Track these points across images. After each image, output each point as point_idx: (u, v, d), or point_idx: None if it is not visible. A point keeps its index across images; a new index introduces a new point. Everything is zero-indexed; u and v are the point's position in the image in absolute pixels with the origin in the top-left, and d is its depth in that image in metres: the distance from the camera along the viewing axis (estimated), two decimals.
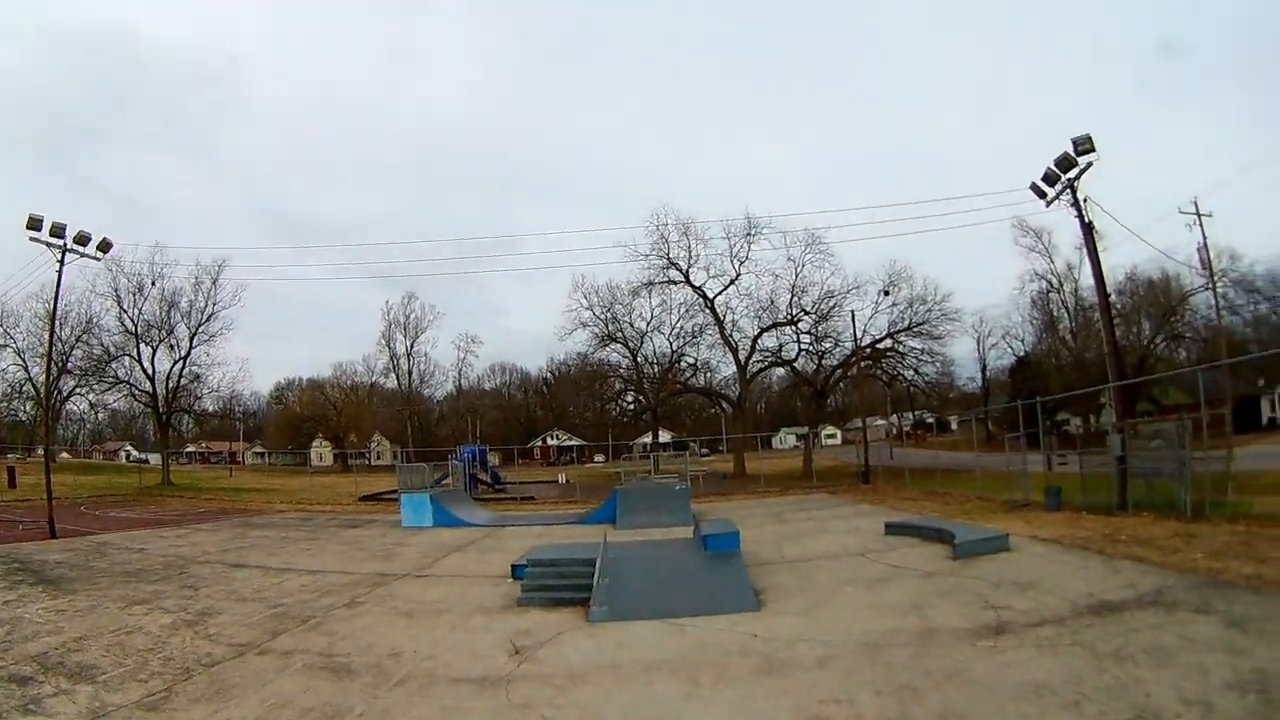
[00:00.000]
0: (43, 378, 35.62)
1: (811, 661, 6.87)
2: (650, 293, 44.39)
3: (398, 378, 69.98)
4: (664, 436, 52.29)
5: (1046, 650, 6.32)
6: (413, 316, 68.75)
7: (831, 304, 41.18)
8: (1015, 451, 19.60)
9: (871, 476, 30.98)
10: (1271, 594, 6.94)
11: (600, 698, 6.29)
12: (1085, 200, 18.62)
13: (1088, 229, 18.57)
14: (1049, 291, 45.50)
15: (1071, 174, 18.59)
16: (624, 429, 56.23)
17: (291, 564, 13.84)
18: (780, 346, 43.69)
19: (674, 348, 46.13)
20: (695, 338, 45.65)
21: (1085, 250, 19.32)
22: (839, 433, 70.49)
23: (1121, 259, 66.16)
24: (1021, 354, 51.25)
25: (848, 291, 41.11)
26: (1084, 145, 18.26)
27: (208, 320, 43.50)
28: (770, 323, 42.72)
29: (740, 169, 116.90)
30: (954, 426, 59.31)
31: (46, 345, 33.22)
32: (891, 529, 14.20)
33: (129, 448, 71.60)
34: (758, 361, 44.50)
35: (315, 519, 24.03)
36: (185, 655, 7.48)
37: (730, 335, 43.72)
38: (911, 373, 42.10)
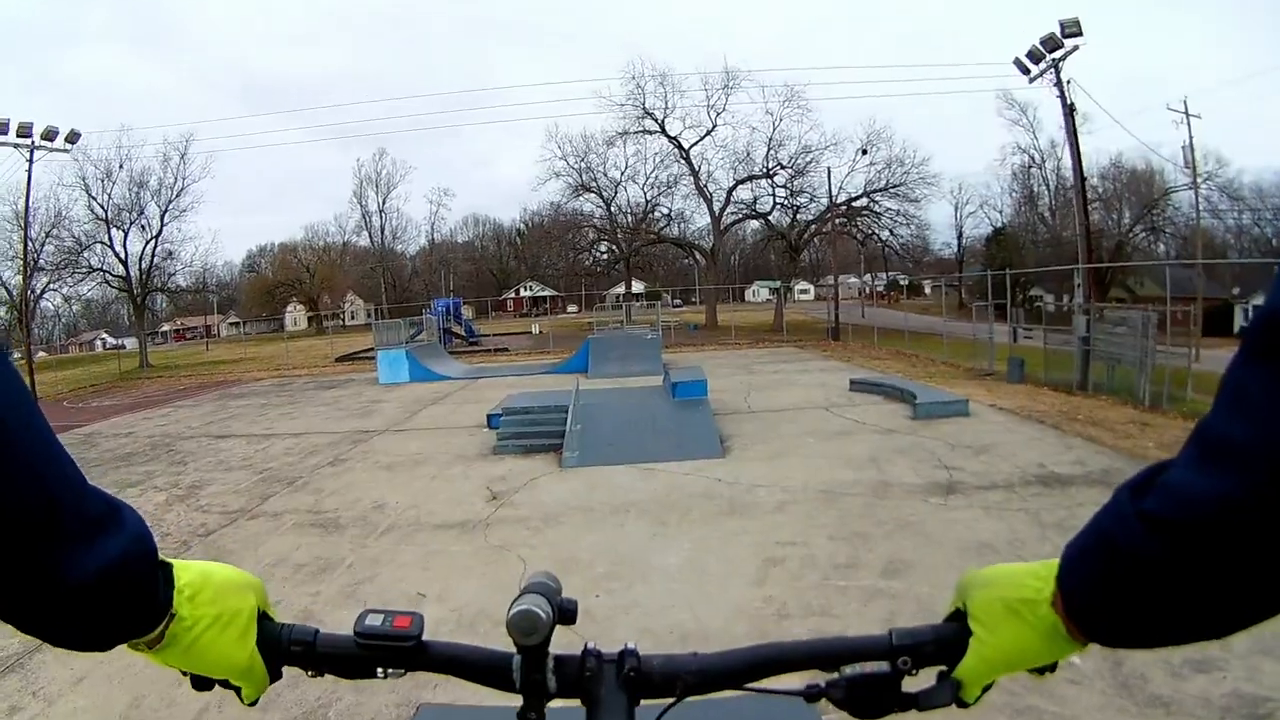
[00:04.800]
0: (14, 280, 34.45)
1: (771, 506, 7.26)
2: (625, 142, 43.28)
3: (370, 235, 68.26)
4: (637, 287, 52.29)
5: (993, 513, 6.69)
6: (384, 172, 66.68)
7: (808, 159, 40.39)
8: (983, 321, 19.86)
9: (841, 334, 31.42)
10: None
11: (573, 538, 6.65)
12: (1069, 82, 18.23)
13: (1069, 111, 18.25)
14: (1030, 166, 44.51)
15: (1057, 54, 18.13)
16: (597, 279, 56.05)
17: (274, 429, 13.98)
18: (755, 199, 43.08)
19: (648, 198, 45.52)
20: (670, 188, 45.01)
21: (1065, 132, 19.03)
22: (812, 288, 70.91)
23: (1106, 143, 64.91)
24: (999, 225, 50.97)
25: (825, 148, 40.36)
26: (1071, 28, 17.79)
27: (178, 196, 41.25)
28: (746, 175, 41.85)
29: (719, 22, 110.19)
30: (927, 291, 59.73)
31: (18, 247, 31.83)
32: (856, 385, 14.57)
33: (104, 335, 69.73)
34: (732, 213, 43.99)
35: (293, 383, 23.99)
36: (181, 528, 7.64)
37: (705, 186, 42.89)
38: (887, 233, 41.87)
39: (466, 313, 45.22)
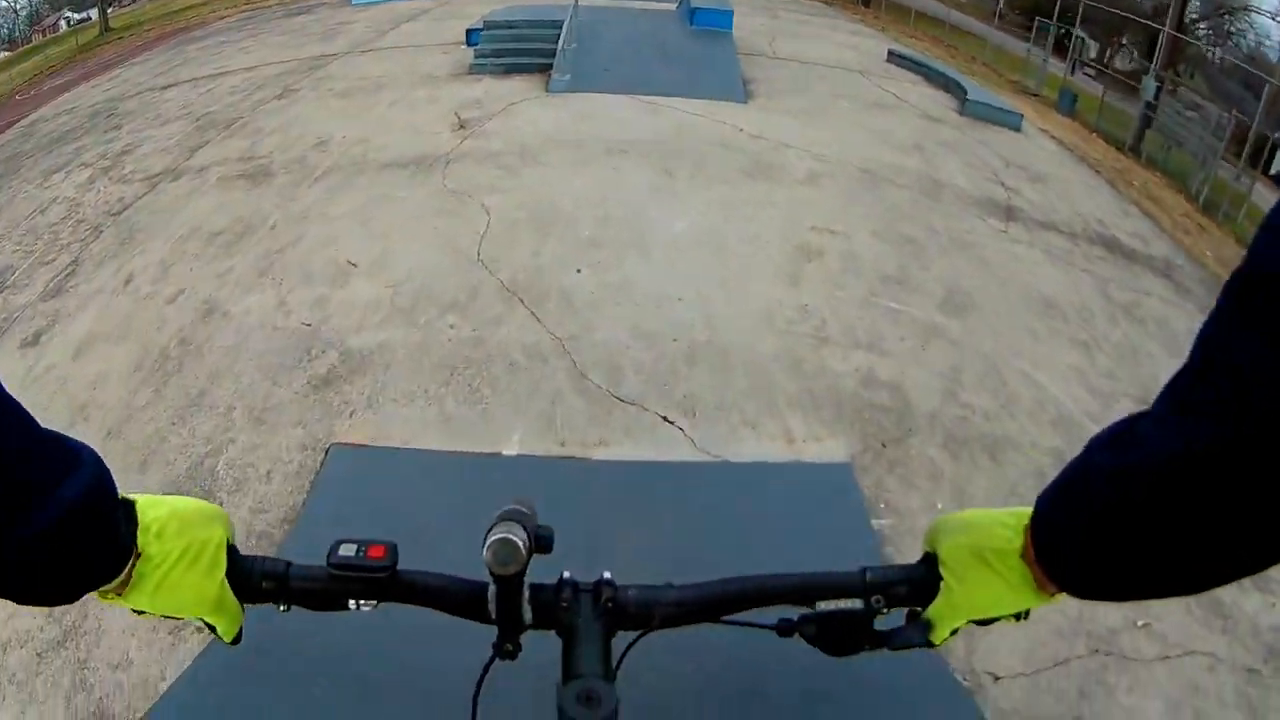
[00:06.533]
0: None
1: (802, 174, 6.06)
2: None
3: None
4: None
5: (1059, 262, 5.57)
6: None
7: None
8: (1041, 40, 17.37)
9: (872, 2, 28.06)
10: None
11: (555, 181, 5.39)
12: None
13: None
14: None
15: None
16: None
17: (226, 66, 12.01)
18: None
19: None
20: None
21: None
22: None
23: None
24: None
25: None
26: None
27: None
28: None
29: None
30: None
31: None
32: (894, 58, 12.47)
33: (68, 13, 58.69)
34: None
35: (259, 15, 20.66)
36: (97, 209, 6.43)
37: None
38: None
39: None
